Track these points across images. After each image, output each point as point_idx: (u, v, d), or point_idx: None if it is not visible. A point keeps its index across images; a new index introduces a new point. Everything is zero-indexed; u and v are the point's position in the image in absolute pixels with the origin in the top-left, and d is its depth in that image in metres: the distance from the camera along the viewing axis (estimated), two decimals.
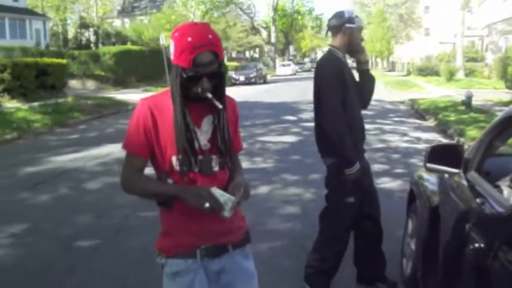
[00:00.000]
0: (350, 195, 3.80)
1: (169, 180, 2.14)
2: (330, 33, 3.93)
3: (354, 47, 3.79)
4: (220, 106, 2.10)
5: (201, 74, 2.02)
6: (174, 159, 2.13)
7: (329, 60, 3.83)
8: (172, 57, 2.05)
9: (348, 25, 3.73)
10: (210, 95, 2.07)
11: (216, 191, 2.02)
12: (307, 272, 4.10)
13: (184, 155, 2.10)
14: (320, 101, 3.75)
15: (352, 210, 3.88)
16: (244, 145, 11.49)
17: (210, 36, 2.02)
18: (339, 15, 3.81)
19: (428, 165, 3.10)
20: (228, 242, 2.26)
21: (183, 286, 2.19)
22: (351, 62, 4.25)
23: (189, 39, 1.99)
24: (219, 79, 2.11)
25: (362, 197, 3.88)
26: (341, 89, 3.66)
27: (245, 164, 8.88)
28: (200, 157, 2.15)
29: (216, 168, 2.19)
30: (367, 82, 3.93)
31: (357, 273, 4.25)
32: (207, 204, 1.98)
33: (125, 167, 2.22)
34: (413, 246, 3.99)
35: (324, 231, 4.05)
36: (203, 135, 2.16)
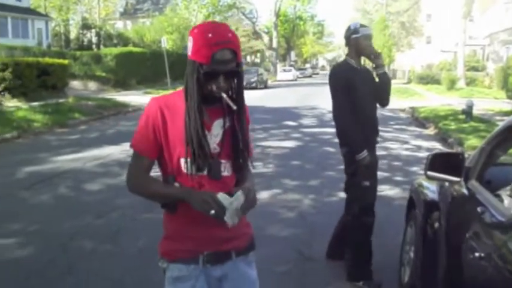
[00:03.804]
0: (365, 179, 4.33)
1: (176, 183, 2.11)
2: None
3: (362, 53, 4.34)
4: (235, 107, 2.07)
5: (218, 71, 2.00)
6: (182, 161, 2.08)
7: (339, 66, 4.59)
8: (189, 53, 2.03)
9: (353, 36, 4.31)
10: (224, 95, 2.04)
11: (223, 197, 1.98)
12: (349, 270, 4.47)
13: (194, 157, 2.06)
14: (332, 101, 4.41)
15: (369, 194, 4.38)
16: None
17: (230, 35, 2.01)
18: (347, 28, 4.42)
19: (429, 173, 3.10)
20: (232, 248, 2.22)
21: None
22: (370, 67, 4.75)
23: (210, 35, 1.97)
24: (237, 80, 2.09)
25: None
26: (347, 91, 4.23)
27: None
28: (209, 161, 2.10)
29: (225, 173, 2.15)
30: (383, 84, 4.41)
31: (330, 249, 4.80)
32: (212, 211, 1.95)
33: (131, 166, 2.18)
34: (412, 254, 3.98)
35: (350, 220, 4.49)
36: (213, 139, 2.12)
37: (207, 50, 1.97)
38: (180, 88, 2.15)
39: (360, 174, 4.33)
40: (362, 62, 4.53)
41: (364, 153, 4.24)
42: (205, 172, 2.10)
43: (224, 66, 1.99)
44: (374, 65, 4.39)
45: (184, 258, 2.17)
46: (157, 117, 2.08)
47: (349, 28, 4.39)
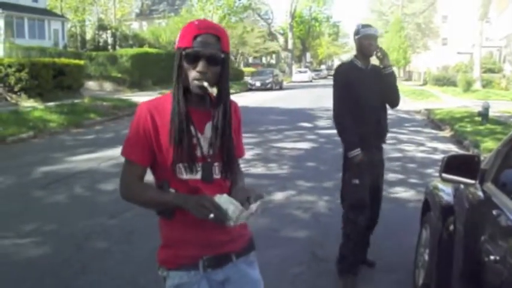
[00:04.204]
0: (355, 177, 4.40)
1: (171, 189, 2.06)
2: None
3: (364, 53, 4.41)
4: (210, 90, 2.02)
5: (199, 53, 1.97)
6: (175, 165, 2.03)
7: (341, 66, 4.82)
8: (176, 44, 2.04)
9: (356, 37, 4.43)
10: (205, 83, 1.99)
11: (221, 199, 1.93)
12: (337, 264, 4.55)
13: (185, 160, 2.03)
14: (332, 98, 4.53)
15: (358, 193, 4.40)
16: (259, 151, 11.51)
17: (218, 27, 2.04)
18: (353, 30, 4.53)
19: (444, 175, 3.08)
20: (232, 250, 2.18)
21: None
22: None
23: (196, 23, 2.01)
24: (221, 69, 2.04)
25: (370, 187, 4.44)
26: (346, 90, 4.38)
27: (260, 169, 8.92)
28: (201, 164, 2.07)
29: (219, 176, 2.12)
30: (387, 84, 4.46)
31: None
32: (211, 215, 1.89)
33: (124, 173, 2.11)
34: (426, 257, 3.95)
35: (343, 216, 4.55)
36: (205, 141, 2.09)
37: (191, 34, 1.99)
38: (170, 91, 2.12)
39: (351, 172, 4.44)
40: (374, 63, 4.58)
41: (355, 152, 4.33)
42: (198, 176, 2.07)
43: (205, 48, 1.97)
44: (381, 66, 4.46)
45: (184, 265, 2.13)
46: (147, 122, 2.03)
47: (354, 30, 4.51)
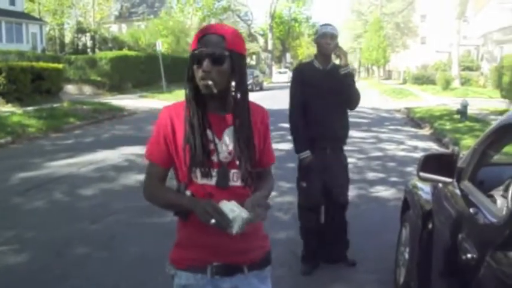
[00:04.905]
0: (303, 180, 4.49)
1: (188, 192, 2.07)
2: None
3: (322, 52, 4.35)
4: (215, 90, 2.00)
5: (202, 53, 1.97)
6: (191, 169, 2.05)
7: (299, 66, 4.91)
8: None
9: (315, 36, 4.41)
10: (210, 82, 1.98)
11: (227, 206, 1.91)
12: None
13: (199, 165, 2.03)
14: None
15: (305, 195, 4.52)
16: None
17: (226, 27, 2.03)
18: None
19: (422, 174, 3.10)
20: (244, 262, 2.14)
21: None
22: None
23: (204, 26, 2.05)
24: (232, 69, 2.02)
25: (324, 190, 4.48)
26: (298, 90, 4.42)
27: None
28: (218, 170, 2.06)
29: (238, 183, 2.09)
30: (345, 85, 4.34)
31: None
32: (213, 220, 1.87)
33: (146, 175, 2.17)
34: (407, 256, 3.98)
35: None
36: (224, 147, 2.07)
37: (197, 36, 2.01)
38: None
39: (300, 174, 4.51)
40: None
41: (305, 154, 4.36)
42: (213, 181, 2.06)
43: (207, 47, 1.97)
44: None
45: (192, 267, 2.12)
46: (168, 126, 2.07)
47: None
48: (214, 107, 2.08)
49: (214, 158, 2.06)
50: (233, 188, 2.08)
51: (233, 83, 2.06)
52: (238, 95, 2.07)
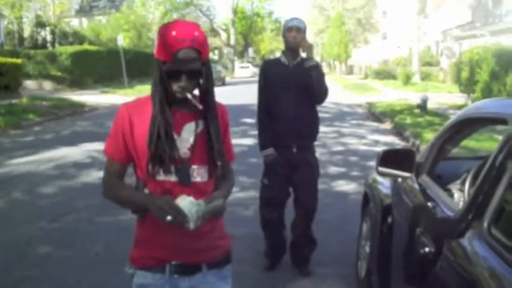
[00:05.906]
0: (265, 176, 4.46)
1: (146, 190, 2.06)
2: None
3: (288, 45, 4.26)
4: (200, 107, 2.03)
5: (180, 71, 1.95)
6: (150, 167, 2.03)
7: (265, 62, 4.69)
8: (155, 51, 2.01)
9: (282, 31, 4.32)
10: (189, 95, 2.00)
11: (183, 202, 1.90)
12: None
13: (158, 162, 2.01)
14: None
15: (265, 192, 4.49)
16: None
17: (196, 33, 1.96)
18: None
19: (380, 169, 3.15)
20: (203, 260, 2.14)
21: None
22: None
23: (174, 33, 1.93)
24: (205, 80, 2.04)
25: (294, 188, 4.44)
26: (263, 86, 4.38)
27: None
28: (178, 166, 2.04)
29: (198, 179, 2.08)
30: (314, 79, 4.20)
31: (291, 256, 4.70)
32: (168, 217, 1.86)
33: (105, 171, 2.16)
34: (367, 249, 4.03)
35: None
36: (183, 143, 2.06)
37: (170, 47, 1.94)
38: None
39: (263, 171, 4.49)
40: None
41: (267, 152, 4.32)
42: (173, 178, 2.05)
43: (185, 65, 1.95)
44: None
45: (150, 266, 2.11)
46: (126, 123, 2.06)
47: None
48: (179, 102, 2.06)
49: (174, 154, 2.04)
50: (195, 184, 2.07)
51: (200, 81, 2.06)
52: (206, 91, 2.09)
